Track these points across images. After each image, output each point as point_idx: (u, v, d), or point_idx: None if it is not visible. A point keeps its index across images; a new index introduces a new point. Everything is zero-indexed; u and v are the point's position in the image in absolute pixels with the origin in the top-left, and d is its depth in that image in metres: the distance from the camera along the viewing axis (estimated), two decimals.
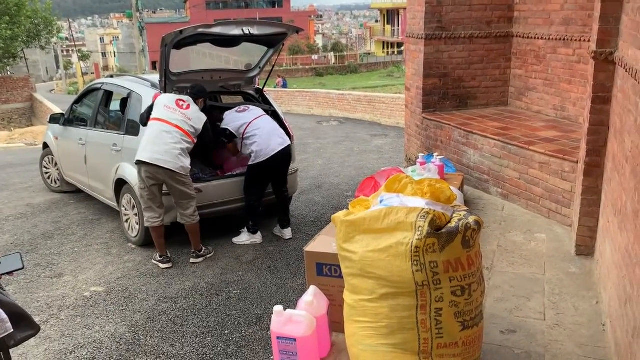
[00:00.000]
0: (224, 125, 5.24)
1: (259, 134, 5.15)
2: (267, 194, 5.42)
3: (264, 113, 5.44)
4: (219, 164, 5.77)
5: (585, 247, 3.80)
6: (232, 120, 5.26)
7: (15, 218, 6.33)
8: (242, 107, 5.44)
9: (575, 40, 5.13)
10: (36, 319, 2.17)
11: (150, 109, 4.88)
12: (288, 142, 5.32)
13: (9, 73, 28.96)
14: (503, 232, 4.37)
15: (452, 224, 2.11)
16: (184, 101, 4.86)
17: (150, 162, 4.60)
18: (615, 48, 3.41)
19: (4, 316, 1.89)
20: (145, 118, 4.88)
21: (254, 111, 5.38)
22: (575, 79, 5.21)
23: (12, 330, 1.92)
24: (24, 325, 2.08)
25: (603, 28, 3.45)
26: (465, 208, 2.32)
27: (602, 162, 3.62)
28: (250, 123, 5.21)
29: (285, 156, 5.28)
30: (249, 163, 5.19)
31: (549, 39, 5.46)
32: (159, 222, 4.79)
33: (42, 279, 4.66)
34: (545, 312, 3.11)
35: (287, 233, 5.51)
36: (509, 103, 6.29)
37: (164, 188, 4.81)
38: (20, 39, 24.27)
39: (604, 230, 3.34)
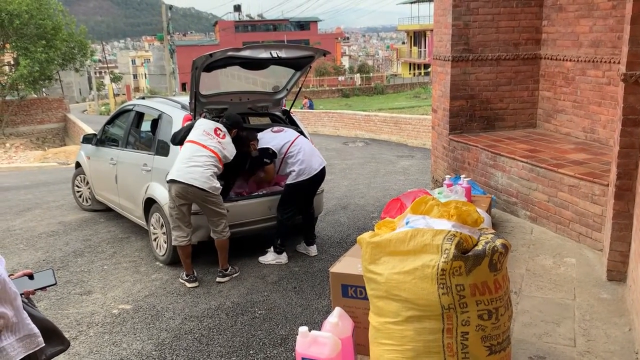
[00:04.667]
0: (264, 144, 5.25)
1: (302, 152, 5.22)
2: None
3: (300, 134, 5.51)
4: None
5: (617, 273, 3.71)
6: (272, 139, 5.29)
7: (48, 235, 6.48)
8: (277, 128, 5.51)
9: (605, 62, 5.08)
10: (66, 335, 2.21)
11: (187, 130, 4.98)
12: (325, 162, 5.42)
13: (44, 94, 29.86)
14: (531, 255, 4.30)
15: (479, 247, 2.10)
16: (221, 130, 4.98)
17: (184, 181, 4.68)
18: None
19: (36, 330, 1.93)
20: (180, 138, 4.98)
21: (291, 131, 5.46)
22: (605, 101, 5.15)
23: (44, 344, 1.97)
24: (55, 340, 2.13)
25: (633, 50, 3.42)
26: (493, 231, 2.31)
27: (634, 185, 3.55)
28: (293, 142, 5.27)
29: (323, 176, 5.40)
30: (288, 182, 5.23)
31: (578, 60, 5.42)
32: (186, 241, 4.85)
33: (72, 296, 4.74)
34: (575, 338, 3.04)
35: (313, 250, 5.53)
36: (537, 125, 6.23)
37: (193, 207, 4.88)
38: (55, 62, 25.07)
39: (637, 255, 3.26)
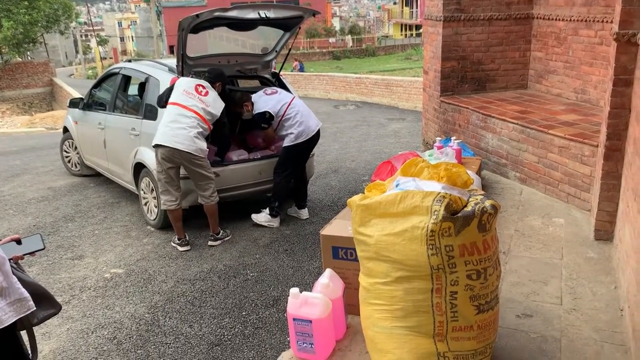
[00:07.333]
0: (259, 109, 5.17)
1: (300, 114, 5.17)
2: None
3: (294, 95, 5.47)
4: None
5: (604, 232, 3.76)
6: (267, 101, 5.22)
7: (38, 201, 6.45)
8: (270, 90, 5.42)
9: (598, 21, 5.02)
10: (58, 299, 2.22)
11: (169, 90, 4.90)
12: (320, 123, 5.42)
13: (29, 58, 29.24)
14: (521, 216, 4.34)
15: (468, 208, 2.11)
16: (203, 87, 4.87)
17: (168, 145, 4.64)
18: (638, 29, 3.34)
19: (27, 294, 1.94)
20: (164, 100, 4.91)
21: (285, 93, 5.40)
22: (597, 61, 5.12)
23: (35, 308, 1.97)
24: (46, 303, 2.14)
25: (626, 9, 3.37)
26: (482, 192, 2.31)
27: (623, 146, 3.56)
28: (289, 104, 5.20)
29: (318, 137, 5.40)
30: (286, 144, 5.20)
31: (570, 20, 5.35)
32: (175, 205, 4.83)
33: (63, 261, 4.75)
34: (562, 296, 3.10)
35: (304, 213, 5.56)
36: (528, 86, 6.20)
37: (182, 172, 4.85)
38: (39, 24, 24.47)
39: (624, 214, 3.30)
